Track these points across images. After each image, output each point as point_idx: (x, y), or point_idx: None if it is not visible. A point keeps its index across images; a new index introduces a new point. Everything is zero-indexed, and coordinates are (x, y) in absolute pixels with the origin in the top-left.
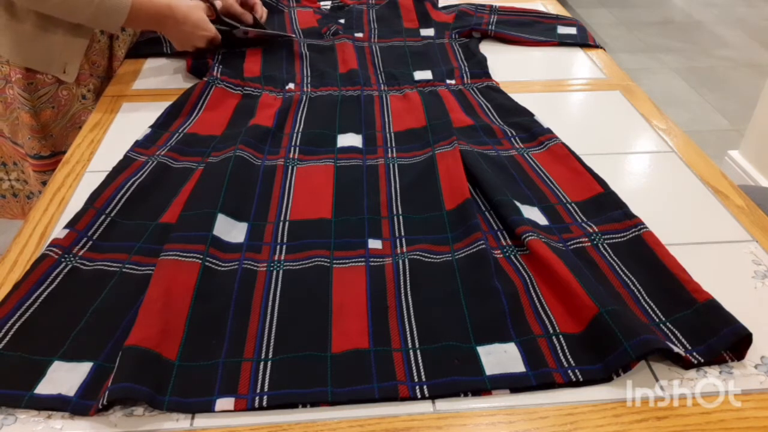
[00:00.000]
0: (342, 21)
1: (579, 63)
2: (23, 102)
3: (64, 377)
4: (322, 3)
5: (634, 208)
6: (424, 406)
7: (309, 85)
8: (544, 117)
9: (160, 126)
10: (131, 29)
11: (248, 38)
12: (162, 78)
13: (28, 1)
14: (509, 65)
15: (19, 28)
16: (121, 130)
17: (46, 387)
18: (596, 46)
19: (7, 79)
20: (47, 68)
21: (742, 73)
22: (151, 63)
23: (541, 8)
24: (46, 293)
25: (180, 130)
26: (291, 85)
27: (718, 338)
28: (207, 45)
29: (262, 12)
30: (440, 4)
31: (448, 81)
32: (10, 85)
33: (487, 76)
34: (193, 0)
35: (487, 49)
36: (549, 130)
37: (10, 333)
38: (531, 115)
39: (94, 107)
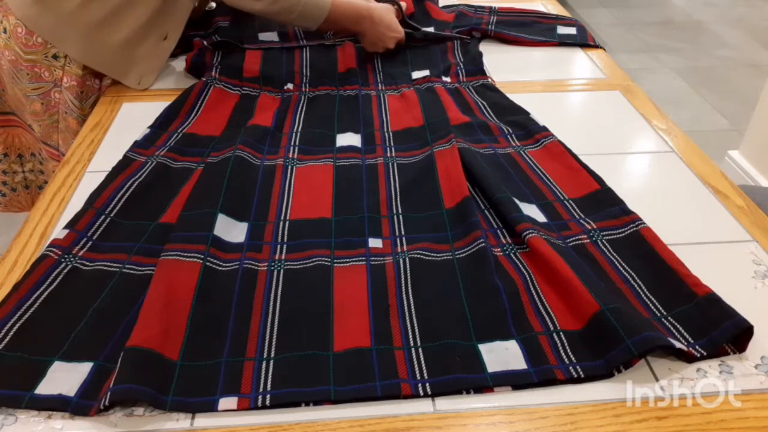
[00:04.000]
0: None
1: (579, 63)
2: (72, 108)
3: (65, 377)
4: None
5: (635, 208)
6: (424, 406)
7: (307, 85)
8: (544, 117)
9: (159, 126)
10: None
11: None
12: (162, 78)
13: (245, 1)
14: (509, 65)
15: (107, 38)
16: (121, 130)
17: (46, 387)
18: (596, 46)
19: (56, 83)
20: (123, 78)
21: (742, 73)
22: None
23: (541, 8)
24: (46, 293)
25: (179, 131)
26: (289, 86)
27: (720, 331)
28: (395, 46)
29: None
30: (440, 4)
31: (444, 78)
32: (58, 89)
33: (482, 73)
34: (382, 3)
35: (487, 49)
36: (545, 128)
37: (10, 333)
38: (526, 113)
39: None
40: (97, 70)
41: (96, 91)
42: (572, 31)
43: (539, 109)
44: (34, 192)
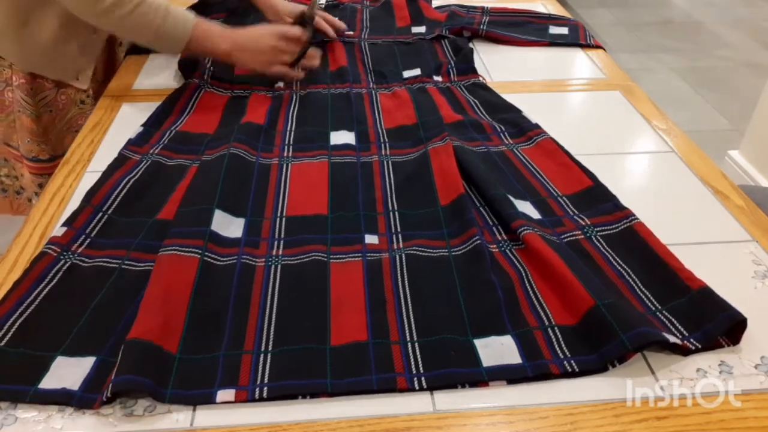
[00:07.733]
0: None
1: (579, 63)
2: (25, 106)
3: (68, 372)
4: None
5: (634, 208)
6: (424, 406)
7: (298, 83)
8: (544, 117)
9: (152, 124)
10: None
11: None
12: (162, 78)
13: (93, 18)
14: (509, 65)
15: (35, 37)
16: (121, 130)
17: (50, 381)
18: (589, 45)
19: (8, 82)
20: (60, 76)
21: (742, 73)
22: (151, 62)
23: (541, 8)
24: (46, 290)
25: (171, 129)
26: (280, 84)
27: (714, 324)
28: (288, 45)
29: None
30: (434, 5)
31: (435, 77)
32: (10, 89)
33: (474, 71)
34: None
35: (486, 49)
36: (537, 126)
37: (12, 330)
38: (518, 111)
39: (92, 111)
40: (32, 71)
41: (48, 89)
42: (564, 31)
43: (539, 109)
44: (12, 197)
